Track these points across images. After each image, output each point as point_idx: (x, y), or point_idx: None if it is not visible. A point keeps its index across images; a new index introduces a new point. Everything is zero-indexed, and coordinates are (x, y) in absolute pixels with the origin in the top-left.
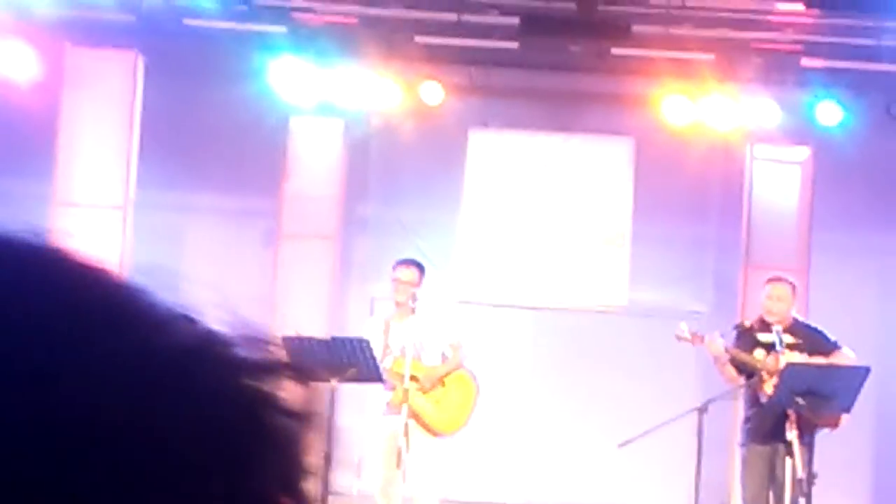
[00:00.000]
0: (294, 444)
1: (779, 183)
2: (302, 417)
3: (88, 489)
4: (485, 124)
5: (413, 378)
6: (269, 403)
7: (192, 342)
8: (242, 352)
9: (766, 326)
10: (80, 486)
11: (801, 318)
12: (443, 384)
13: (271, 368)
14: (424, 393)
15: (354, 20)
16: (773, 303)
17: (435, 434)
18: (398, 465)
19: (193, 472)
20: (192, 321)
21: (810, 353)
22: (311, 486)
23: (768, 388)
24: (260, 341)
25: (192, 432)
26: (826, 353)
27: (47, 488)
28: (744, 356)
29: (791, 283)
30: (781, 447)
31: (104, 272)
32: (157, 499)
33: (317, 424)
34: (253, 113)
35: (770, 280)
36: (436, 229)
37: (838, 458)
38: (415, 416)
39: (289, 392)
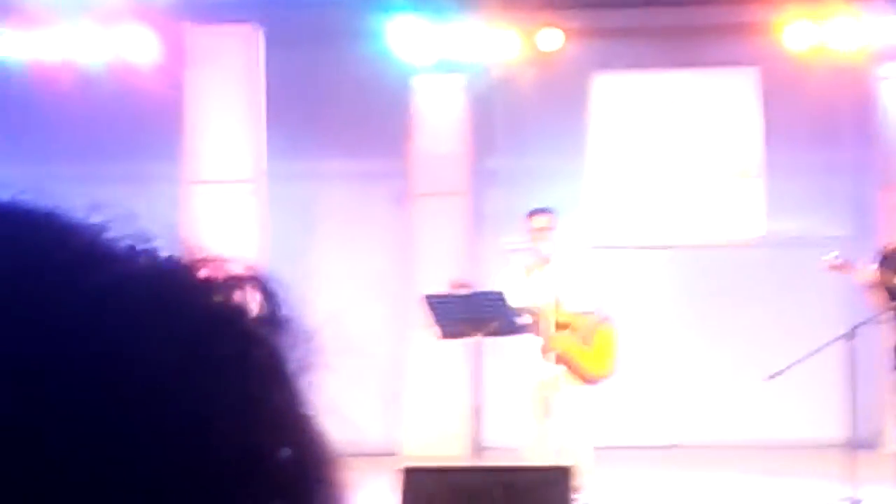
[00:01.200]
0: (273, 347)
1: None
2: (277, 324)
3: (77, 414)
4: (606, 67)
5: (560, 325)
6: (243, 316)
7: (156, 269)
8: (204, 272)
9: None
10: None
11: None
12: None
13: (236, 283)
14: (584, 343)
15: None
16: None
17: (586, 380)
18: (548, 416)
19: (176, 389)
20: (150, 251)
21: None
22: (302, 385)
23: None
24: (217, 261)
25: (170, 354)
26: None
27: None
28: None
29: None
30: None
31: (52, 216)
32: (146, 422)
33: (292, 329)
34: (375, 75)
35: None
36: (566, 177)
37: None
38: (566, 362)
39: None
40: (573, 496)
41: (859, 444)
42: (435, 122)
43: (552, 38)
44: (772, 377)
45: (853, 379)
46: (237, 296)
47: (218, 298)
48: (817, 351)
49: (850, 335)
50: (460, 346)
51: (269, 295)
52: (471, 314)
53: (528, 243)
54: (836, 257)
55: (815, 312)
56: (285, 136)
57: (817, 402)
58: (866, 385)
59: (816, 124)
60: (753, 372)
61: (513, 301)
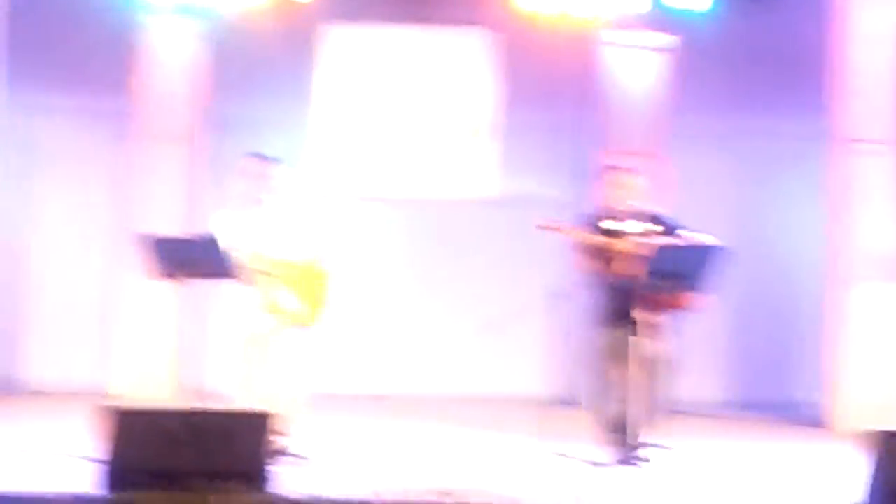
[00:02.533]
0: None
1: (638, 69)
2: None
3: None
4: (338, 18)
5: (271, 272)
6: None
7: None
8: None
9: (610, 214)
10: None
11: (638, 204)
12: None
13: None
14: (294, 289)
15: None
16: (619, 191)
17: (296, 325)
18: (257, 361)
19: None
20: None
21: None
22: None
23: (617, 270)
24: None
25: None
26: (669, 235)
27: None
28: (600, 242)
29: (629, 170)
30: (630, 328)
31: None
32: None
33: None
34: (105, 14)
35: (611, 169)
36: (291, 126)
37: (699, 339)
38: (275, 308)
39: None
40: (271, 440)
41: (565, 400)
42: (165, 64)
43: None
44: (480, 331)
45: (562, 336)
46: None
47: None
48: (523, 308)
49: (560, 294)
50: (171, 289)
51: None
52: (181, 257)
53: (243, 188)
54: (546, 218)
55: (535, 271)
56: (7, 69)
57: (527, 358)
58: (574, 343)
59: (545, 86)
60: (469, 327)
61: (224, 245)
